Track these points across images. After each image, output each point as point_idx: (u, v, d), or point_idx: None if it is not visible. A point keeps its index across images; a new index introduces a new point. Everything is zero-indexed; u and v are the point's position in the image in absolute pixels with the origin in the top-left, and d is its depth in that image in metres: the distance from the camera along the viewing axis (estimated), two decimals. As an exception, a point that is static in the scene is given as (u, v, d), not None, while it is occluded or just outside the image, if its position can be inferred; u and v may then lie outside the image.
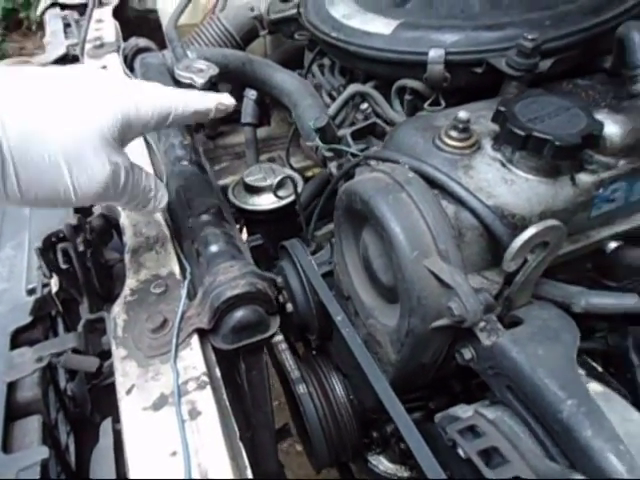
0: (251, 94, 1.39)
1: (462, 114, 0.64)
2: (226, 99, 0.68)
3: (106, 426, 0.58)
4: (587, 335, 0.90)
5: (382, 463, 1.09)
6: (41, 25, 1.68)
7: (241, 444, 0.53)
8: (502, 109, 0.63)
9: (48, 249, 0.68)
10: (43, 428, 0.61)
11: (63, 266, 0.67)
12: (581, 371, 0.62)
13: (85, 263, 0.68)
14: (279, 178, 0.97)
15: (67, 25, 1.41)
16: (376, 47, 0.83)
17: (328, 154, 0.93)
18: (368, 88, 0.88)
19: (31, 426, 0.61)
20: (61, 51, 1.27)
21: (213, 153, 1.64)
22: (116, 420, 0.59)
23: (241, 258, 0.66)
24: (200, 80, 1.04)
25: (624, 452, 0.47)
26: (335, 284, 0.87)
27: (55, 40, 1.32)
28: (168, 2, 1.52)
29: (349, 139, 0.80)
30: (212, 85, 1.13)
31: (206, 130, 1.64)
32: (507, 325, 0.61)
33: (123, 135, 0.57)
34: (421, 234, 0.58)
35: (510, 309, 0.62)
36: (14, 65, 0.53)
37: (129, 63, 1.19)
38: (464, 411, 0.65)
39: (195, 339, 0.60)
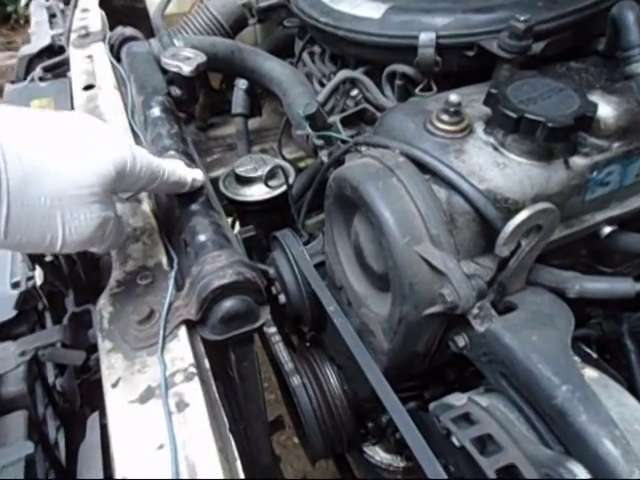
0: (241, 83, 1.36)
1: (453, 97, 0.62)
2: (198, 175, 0.72)
3: (93, 421, 0.57)
4: (582, 322, 0.90)
5: (378, 453, 1.09)
6: (29, 19, 1.65)
7: (231, 436, 0.52)
8: (494, 91, 0.62)
9: (32, 241, 0.67)
10: (29, 423, 0.59)
11: (47, 258, 0.65)
12: (576, 358, 0.62)
13: (70, 255, 0.66)
14: (269, 167, 0.96)
15: (52, 15, 1.39)
16: (365, 31, 0.81)
17: (319, 142, 0.92)
18: (358, 74, 0.86)
19: (16, 422, 0.59)
20: (46, 41, 1.24)
21: (204, 145, 1.62)
22: (103, 414, 0.57)
23: (230, 248, 0.64)
24: (187, 68, 1.02)
25: (619, 437, 0.46)
26: (327, 274, 0.86)
27: (40, 30, 1.29)
28: (155, -9, 1.49)
29: (339, 125, 0.79)
30: (200, 74, 1.11)
31: (197, 122, 1.62)
32: (501, 311, 0.60)
33: (115, 188, 0.57)
34: (412, 219, 0.57)
35: (504, 295, 0.61)
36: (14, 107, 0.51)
37: (115, 52, 1.16)
38: (458, 399, 0.64)
39: (183, 330, 0.59)
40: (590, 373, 0.63)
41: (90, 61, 1.11)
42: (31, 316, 0.71)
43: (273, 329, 1.05)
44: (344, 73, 0.88)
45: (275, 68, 1.15)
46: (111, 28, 1.32)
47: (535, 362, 0.51)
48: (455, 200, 0.60)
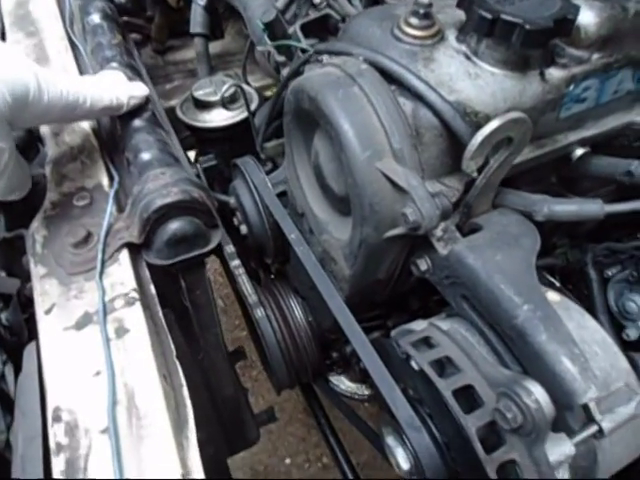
0: (200, -1, 1.24)
1: (423, -3, 0.56)
2: (138, 90, 0.64)
3: (30, 350, 0.53)
4: (548, 251, 0.89)
5: (343, 382, 1.10)
6: None
7: (177, 362, 0.49)
8: (468, -10, 0.56)
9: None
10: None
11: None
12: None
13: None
14: (226, 87, 0.87)
15: None
16: None
17: (280, 59, 0.84)
18: (322, -23, 0.78)
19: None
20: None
21: (162, 70, 1.50)
22: (42, 344, 0.53)
23: (176, 166, 0.58)
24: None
25: (578, 355, 0.45)
26: (289, 202, 0.82)
27: None
28: None
29: (299, 33, 0.71)
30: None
31: (153, 43, 1.49)
32: (465, 233, 0.57)
33: (15, 116, 0.49)
34: (374, 132, 0.52)
35: (469, 217, 0.58)
36: None
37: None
38: (419, 325, 0.63)
39: (124, 254, 0.54)
40: (552, 296, 0.62)
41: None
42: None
43: (237, 262, 1.01)
44: (307, -24, 0.79)
45: (235, -23, 1.04)
46: None
47: (497, 282, 0.49)
48: (422, 113, 0.55)
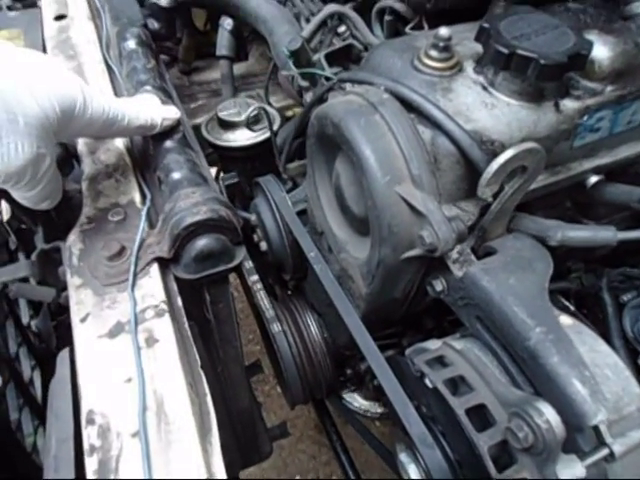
0: (227, 23, 1.29)
1: (443, 31, 0.59)
2: (171, 112, 0.68)
3: (63, 356, 0.56)
4: (563, 275, 0.90)
5: (356, 400, 1.11)
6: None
7: (202, 372, 0.52)
8: (486, 26, 0.59)
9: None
10: (-1, 359, 0.59)
11: (15, 193, 0.62)
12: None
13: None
14: (251, 109, 0.91)
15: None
16: (355, -37, 0.76)
17: (304, 84, 0.88)
18: (346, 9, 0.82)
19: (-15, 357, 0.58)
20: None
21: (188, 90, 1.55)
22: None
23: (205, 185, 0.62)
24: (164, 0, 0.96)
25: (589, 377, 0.46)
26: (309, 220, 0.85)
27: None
28: None
29: (323, 62, 0.75)
30: (180, 6, 1.04)
31: (180, 64, 1.55)
32: (480, 256, 0.59)
33: (62, 127, 0.53)
34: (393, 158, 0.55)
35: (484, 240, 0.60)
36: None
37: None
38: (434, 344, 0.64)
39: (155, 268, 0.57)
40: (565, 320, 0.63)
41: (62, -10, 1.04)
42: (1, 253, 0.69)
43: (255, 277, 1.04)
44: (331, 7, 0.83)
45: (261, 5, 1.09)
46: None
47: (511, 304, 0.50)
48: (440, 141, 0.58)
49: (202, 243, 0.57)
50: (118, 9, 0.92)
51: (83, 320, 0.52)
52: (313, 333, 0.97)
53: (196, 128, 1.13)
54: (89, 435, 0.43)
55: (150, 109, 0.64)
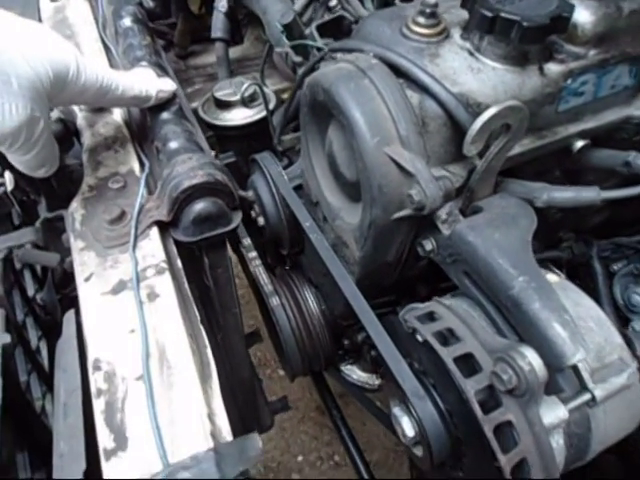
0: (221, 5, 1.30)
1: (430, -2, 0.61)
2: (166, 85, 0.69)
3: (69, 317, 0.58)
4: (554, 245, 0.92)
5: (355, 372, 1.13)
6: None
7: (202, 327, 0.54)
8: (471, -9, 0.60)
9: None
10: (7, 321, 0.61)
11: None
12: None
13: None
14: (246, 85, 0.93)
15: None
16: None
17: (297, 59, 0.90)
18: (337, -18, 0.83)
19: (-6, 319, 0.61)
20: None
21: (185, 74, 1.57)
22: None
23: (201, 152, 0.64)
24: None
25: (568, 321, 0.49)
26: (304, 192, 0.87)
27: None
28: None
29: (315, 33, 0.77)
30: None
31: (176, 49, 1.56)
32: (468, 216, 0.61)
33: (55, 92, 0.54)
34: (382, 120, 0.57)
35: (472, 201, 0.62)
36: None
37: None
38: (425, 305, 0.67)
39: (155, 231, 0.59)
40: (551, 277, 0.66)
41: (58, -28, 1.05)
42: (4, 224, 0.71)
43: (254, 253, 1.06)
44: (323, -19, 0.85)
45: (255, -16, 1.10)
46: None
47: (495, 257, 0.53)
48: (427, 104, 0.60)
49: (200, 206, 0.59)
50: (113, -12, 0.93)
51: (87, 279, 0.55)
52: (311, 306, 1.00)
53: (194, 111, 1.15)
54: (96, 380, 0.45)
55: (145, 81, 0.66)
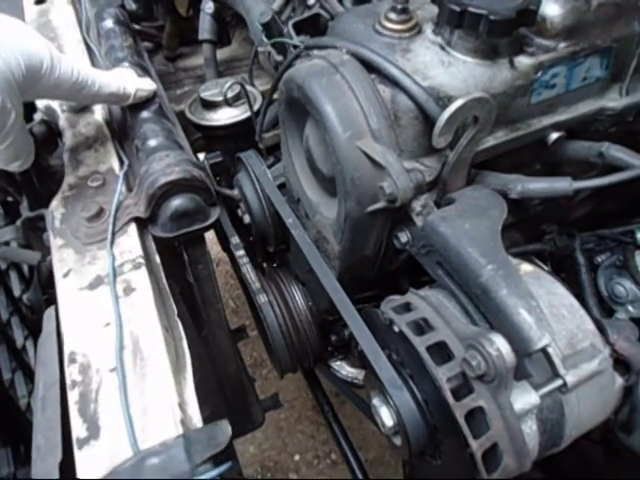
0: (207, 7, 1.31)
1: (401, -6, 0.62)
2: (146, 84, 0.70)
3: (50, 313, 0.59)
4: (537, 238, 0.93)
5: (344, 368, 1.14)
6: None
7: (179, 320, 0.55)
8: (440, -13, 0.61)
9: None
10: (-11, 319, 0.62)
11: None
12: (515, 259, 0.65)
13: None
14: (228, 84, 0.94)
15: None
16: None
17: (279, 58, 0.91)
18: (315, -19, 0.84)
19: (-24, 316, 0.62)
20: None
21: (174, 76, 1.57)
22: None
23: (179, 150, 0.65)
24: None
25: (534, 307, 0.50)
26: (287, 189, 0.88)
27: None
28: None
29: (291, 31, 0.78)
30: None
31: (165, 51, 1.57)
32: (441, 207, 0.62)
33: (28, 85, 0.55)
34: (354, 114, 0.58)
35: (446, 193, 0.63)
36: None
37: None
38: (402, 297, 0.67)
39: (133, 227, 0.60)
40: (526, 267, 0.66)
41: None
42: (-12, 225, 0.72)
43: (241, 252, 1.07)
44: (300, -20, 0.86)
45: (238, -15, 1.11)
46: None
47: (465, 246, 0.54)
48: (399, 98, 0.61)
49: (177, 202, 0.60)
50: (96, -9, 0.94)
51: (65, 275, 0.56)
52: (298, 302, 1.01)
53: (182, 114, 1.16)
54: (71, 373, 0.46)
55: (123, 79, 0.67)
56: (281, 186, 0.92)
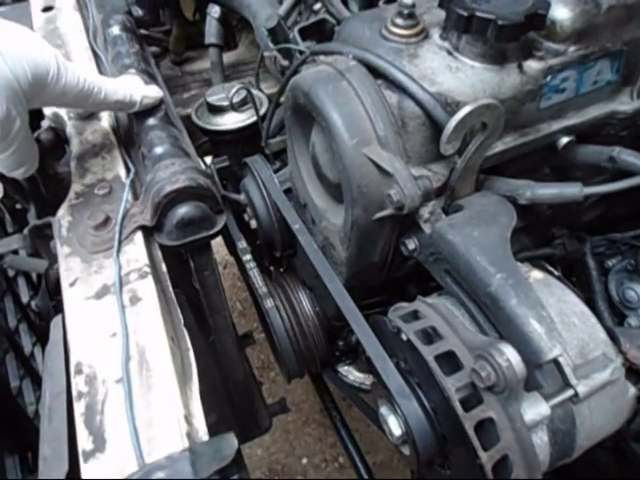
0: (214, 11, 1.32)
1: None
2: (152, 91, 0.70)
3: (57, 321, 0.59)
4: (547, 242, 0.92)
5: (352, 373, 1.14)
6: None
7: (185, 330, 0.55)
8: (448, -9, 0.61)
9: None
10: (-3, 327, 0.62)
11: (6, 172, 0.66)
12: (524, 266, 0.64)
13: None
14: (234, 90, 0.94)
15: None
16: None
17: (285, 63, 0.90)
18: (321, -14, 0.84)
19: (-16, 325, 0.62)
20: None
21: (181, 80, 1.58)
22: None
23: (185, 157, 0.65)
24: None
25: (545, 317, 0.49)
26: (293, 194, 0.87)
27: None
28: None
29: (297, 36, 0.77)
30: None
31: (171, 55, 1.58)
32: (449, 214, 0.61)
33: (34, 93, 0.55)
34: (360, 121, 0.57)
35: (454, 199, 0.62)
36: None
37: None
38: (410, 304, 0.67)
39: (139, 236, 0.60)
40: (536, 274, 0.66)
41: (50, -17, 1.07)
42: (-4, 232, 0.73)
43: (248, 256, 1.07)
44: (306, -15, 0.85)
45: (244, -10, 1.11)
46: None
47: (474, 254, 0.53)
48: (406, 104, 0.60)
49: (182, 210, 0.60)
50: (103, -2, 0.95)
51: (72, 284, 0.55)
52: (305, 307, 1.00)
53: (189, 118, 1.16)
54: (77, 383, 0.46)
55: (129, 87, 0.67)
56: (287, 191, 0.92)
